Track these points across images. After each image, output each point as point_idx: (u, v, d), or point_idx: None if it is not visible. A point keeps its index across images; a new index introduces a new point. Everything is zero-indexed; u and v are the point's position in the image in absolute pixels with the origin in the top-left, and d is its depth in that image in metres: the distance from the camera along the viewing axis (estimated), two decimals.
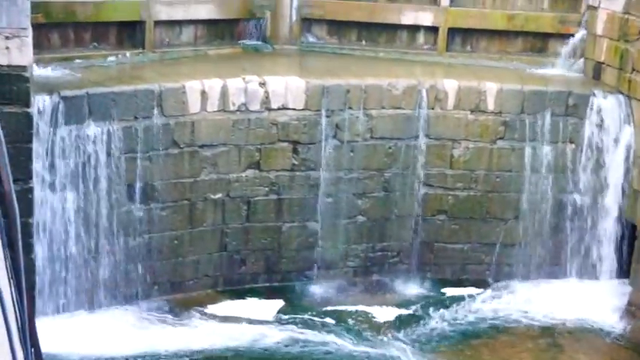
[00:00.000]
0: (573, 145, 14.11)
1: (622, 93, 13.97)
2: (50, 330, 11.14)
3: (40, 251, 11.93)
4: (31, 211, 11.38)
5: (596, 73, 14.74)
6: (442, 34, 15.62)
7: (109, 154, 12.24)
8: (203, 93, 12.96)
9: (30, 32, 11.22)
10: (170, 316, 12.78)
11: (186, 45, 14.96)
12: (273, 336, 12.46)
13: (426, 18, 15.64)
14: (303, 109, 13.51)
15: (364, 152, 13.85)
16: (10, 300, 5.53)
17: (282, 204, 13.71)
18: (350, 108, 13.66)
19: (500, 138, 14.10)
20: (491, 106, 14.02)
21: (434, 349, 12.44)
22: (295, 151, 13.59)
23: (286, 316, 13.10)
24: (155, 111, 12.59)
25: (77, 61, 13.49)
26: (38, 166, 11.65)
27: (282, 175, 13.61)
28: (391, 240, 14.30)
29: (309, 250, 14.01)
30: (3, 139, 7.52)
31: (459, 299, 13.88)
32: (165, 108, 12.67)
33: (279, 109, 13.42)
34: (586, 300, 13.77)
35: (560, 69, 15.28)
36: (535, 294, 14.04)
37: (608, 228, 14.24)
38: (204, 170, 13.13)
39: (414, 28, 15.83)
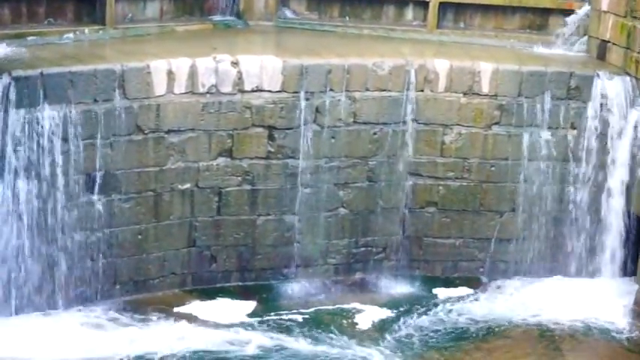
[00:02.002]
0: (575, 131, 14.15)
1: (629, 74, 14.01)
2: (0, 334, 11.13)
3: None
4: None
5: (601, 52, 14.80)
6: (433, 9, 15.73)
7: (65, 141, 12.18)
8: (170, 73, 12.94)
9: None
10: (133, 318, 12.73)
11: (151, 21, 15.03)
12: (247, 340, 12.42)
13: None
14: (279, 92, 13.51)
15: (347, 138, 13.87)
16: None
17: (256, 195, 13.73)
18: (331, 90, 13.67)
19: (496, 123, 14.14)
20: (485, 89, 14.05)
21: (423, 353, 12.44)
22: (271, 137, 13.59)
23: (261, 319, 13.08)
24: (117, 93, 12.55)
25: (30, 38, 13.48)
26: None
27: (257, 164, 13.63)
28: (376, 235, 14.34)
29: (286, 245, 14.04)
30: None
31: (450, 299, 13.93)
32: (127, 90, 12.63)
33: (253, 91, 13.42)
34: (589, 299, 13.82)
35: (561, 48, 15.36)
36: (533, 293, 14.09)
37: (613, 222, 14.29)
38: (170, 158, 13.13)
39: (401, 3, 15.98)
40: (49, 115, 12.02)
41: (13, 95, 11.69)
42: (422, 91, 13.98)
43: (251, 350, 12.23)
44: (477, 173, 14.25)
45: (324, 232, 14.14)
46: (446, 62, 14.07)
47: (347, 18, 16.03)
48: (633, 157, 13.94)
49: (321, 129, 13.75)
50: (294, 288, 14.02)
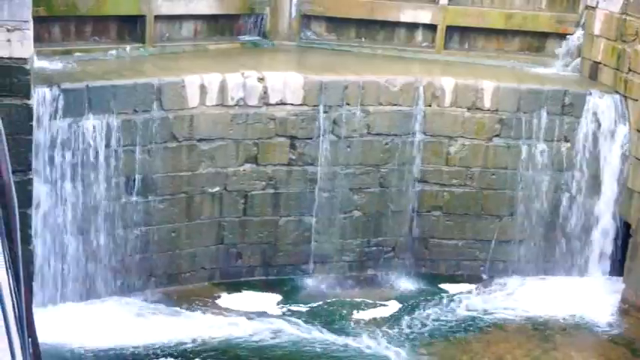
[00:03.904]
0: (569, 144, 14.13)
1: (618, 93, 14.02)
2: (48, 320, 11.19)
3: (39, 242, 11.95)
4: (29, 202, 11.43)
5: (593, 72, 14.78)
6: (440, 32, 15.68)
7: (107, 147, 12.26)
8: (202, 87, 12.96)
9: (31, 25, 11.26)
10: (166, 308, 12.79)
11: (186, 40, 15.02)
12: (269, 329, 12.47)
13: (424, 16, 15.70)
14: (300, 105, 13.52)
15: (361, 148, 13.86)
16: (7, 290, 5.56)
17: (279, 198, 13.73)
18: (347, 104, 13.68)
19: (496, 135, 14.12)
20: (487, 104, 14.04)
21: (428, 343, 12.46)
22: (293, 146, 13.60)
23: (282, 310, 13.13)
24: (154, 105, 12.60)
25: (78, 54, 13.53)
26: (37, 157, 11.67)
27: (280, 170, 13.63)
28: (386, 235, 14.32)
29: (305, 244, 14.02)
30: (2, 131, 7.54)
31: (453, 295, 13.92)
32: (164, 102, 12.67)
33: (277, 104, 13.43)
34: (579, 297, 13.81)
35: (556, 68, 15.35)
36: (529, 290, 14.09)
37: (602, 226, 14.28)
38: (202, 164, 13.14)
39: (412, 26, 15.89)
40: (93, 123, 12.10)
41: (61, 105, 11.80)
42: (430, 105, 13.97)
43: (273, 338, 12.26)
44: (479, 181, 14.24)
45: (340, 233, 14.14)
46: (451, 80, 14.07)
47: (362, 39, 15.99)
48: (621, 167, 13.95)
49: (338, 139, 13.75)
50: (312, 282, 14.04)
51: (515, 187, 14.25)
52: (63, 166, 12.04)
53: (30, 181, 11.44)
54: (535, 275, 14.52)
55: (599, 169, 14.14)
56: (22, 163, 11.19)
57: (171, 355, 11.67)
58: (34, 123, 11.40)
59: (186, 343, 11.93)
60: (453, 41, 15.89)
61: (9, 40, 10.93)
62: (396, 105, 13.88)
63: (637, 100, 13.59)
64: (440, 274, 14.50)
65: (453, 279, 14.43)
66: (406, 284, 14.26)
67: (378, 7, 15.74)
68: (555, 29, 15.55)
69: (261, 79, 13.36)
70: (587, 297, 13.81)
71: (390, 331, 12.71)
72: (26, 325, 6.52)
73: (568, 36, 15.37)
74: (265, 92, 13.35)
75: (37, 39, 12.17)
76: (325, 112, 13.61)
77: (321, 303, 13.44)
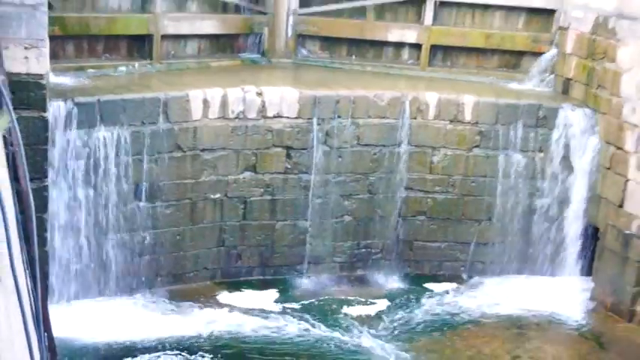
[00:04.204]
0: (542, 154, 14.18)
1: (588, 107, 14.07)
2: (62, 316, 11.21)
3: (54, 244, 11.99)
4: (45, 207, 11.46)
5: (565, 88, 14.84)
6: (425, 51, 15.71)
7: (117, 156, 12.29)
8: (205, 101, 13.00)
9: (47, 43, 11.29)
10: (171, 305, 12.81)
11: (191, 57, 15.03)
12: (267, 324, 12.50)
13: (410, 36, 15.74)
14: (296, 118, 13.55)
15: (351, 157, 13.89)
16: (25, 288, 5.62)
17: (275, 204, 13.76)
18: (339, 117, 13.71)
19: (476, 146, 14.16)
20: (468, 117, 14.08)
21: (412, 338, 12.49)
22: (288, 155, 13.63)
23: (278, 307, 13.15)
24: (161, 117, 12.63)
25: (90, 70, 13.55)
26: (53, 166, 11.72)
27: (276, 178, 13.65)
28: (375, 238, 14.35)
29: (299, 246, 14.04)
30: (21, 142, 7.60)
31: (436, 293, 13.95)
32: (170, 114, 12.71)
33: (274, 117, 13.46)
34: (552, 295, 13.85)
35: (532, 84, 15.37)
36: (505, 289, 14.12)
37: (573, 230, 14.32)
38: (204, 172, 13.17)
39: (399, 45, 15.92)
40: (104, 134, 12.13)
41: (74, 117, 11.83)
42: (415, 118, 13.99)
43: (271, 333, 12.29)
44: (460, 188, 14.27)
45: (332, 236, 14.15)
46: (435, 95, 14.10)
47: (353, 57, 16.01)
48: (590, 175, 14.00)
49: (330, 149, 13.77)
50: (306, 282, 14.04)
51: (493, 193, 14.28)
52: (76, 173, 12.06)
53: (46, 188, 11.47)
54: (511, 275, 14.55)
55: (571, 177, 14.18)
56: (39, 171, 11.22)
57: (176, 348, 11.70)
58: (50, 134, 11.44)
59: (189, 337, 11.96)
60: (436, 59, 15.91)
61: (26, 57, 10.97)
62: (383, 118, 13.92)
63: (605, 114, 13.66)
64: (424, 274, 14.50)
65: (436, 278, 14.43)
66: (393, 283, 14.28)
67: (367, 28, 15.79)
68: (531, 48, 15.60)
69: (259, 94, 13.39)
70: (558, 295, 13.85)
71: (377, 326, 12.75)
72: (42, 321, 6.57)
73: (542, 54, 15.42)
74: (263, 106, 13.37)
75: (53, 56, 12.19)
76: (318, 124, 13.64)
77: (314, 300, 13.47)
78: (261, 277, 13.96)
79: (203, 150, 13.09)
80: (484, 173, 14.22)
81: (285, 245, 13.99)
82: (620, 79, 13.30)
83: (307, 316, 12.86)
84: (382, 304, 13.49)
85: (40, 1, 10.96)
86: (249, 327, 12.40)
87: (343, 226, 14.17)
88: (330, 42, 15.97)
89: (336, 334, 12.40)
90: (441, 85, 14.82)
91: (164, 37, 14.44)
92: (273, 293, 13.57)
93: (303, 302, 13.36)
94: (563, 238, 14.41)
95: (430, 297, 13.79)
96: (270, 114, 13.43)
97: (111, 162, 12.26)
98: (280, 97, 13.50)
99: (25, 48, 10.96)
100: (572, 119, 14.05)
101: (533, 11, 15.63)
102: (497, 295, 13.90)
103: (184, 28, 14.73)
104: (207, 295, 13.26)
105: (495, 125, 14.10)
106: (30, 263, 6.70)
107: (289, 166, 13.67)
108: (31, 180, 8.91)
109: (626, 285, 13.09)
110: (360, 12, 15.84)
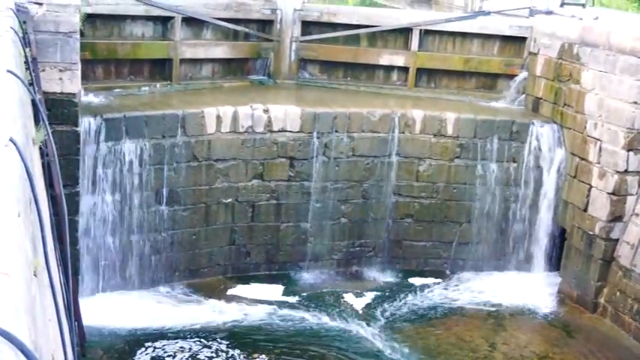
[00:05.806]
0: (516, 164, 14.14)
1: (556, 122, 14.05)
2: (90, 307, 11.18)
3: (85, 243, 11.94)
4: (77, 210, 11.42)
5: (535, 106, 14.80)
6: (411, 73, 15.65)
7: (141, 166, 12.27)
8: (218, 117, 12.98)
9: (79, 66, 11.27)
10: (188, 297, 12.78)
11: (205, 79, 14.98)
12: (273, 313, 12.47)
13: (398, 60, 15.70)
14: (298, 132, 13.53)
15: (347, 167, 13.85)
16: (58, 283, 5.56)
17: (280, 208, 13.72)
18: (336, 131, 13.68)
19: (457, 157, 14.12)
20: (450, 131, 14.05)
21: (400, 326, 12.46)
22: (292, 165, 13.59)
23: (283, 298, 13.11)
24: (179, 131, 12.62)
25: (117, 90, 13.52)
26: (84, 174, 11.68)
27: (281, 185, 13.61)
28: (368, 238, 14.30)
29: (301, 245, 13.99)
30: (55, 152, 7.55)
31: (422, 287, 13.90)
32: (187, 129, 12.69)
33: (279, 131, 13.44)
34: (525, 289, 13.82)
35: (506, 102, 15.31)
36: (483, 283, 14.09)
37: (543, 231, 14.29)
38: (218, 179, 13.14)
39: (389, 68, 15.87)
40: (129, 147, 12.13)
41: (103, 132, 11.83)
42: (403, 132, 13.97)
43: (276, 321, 12.26)
44: (443, 194, 14.23)
45: (330, 236, 14.11)
46: (421, 112, 14.08)
47: (348, 79, 15.96)
48: (558, 183, 13.98)
49: (329, 159, 13.75)
50: (308, 276, 13.98)
51: (472, 199, 14.25)
52: (105, 181, 12.04)
53: (77, 193, 11.42)
54: (489, 271, 14.50)
55: (541, 185, 14.14)
56: (71, 178, 11.18)
57: (192, 334, 11.66)
58: (81, 146, 11.40)
59: (204, 324, 11.93)
60: (422, 80, 15.86)
61: (61, 79, 10.96)
62: (375, 132, 13.89)
63: (571, 129, 13.63)
64: (411, 270, 14.46)
65: (422, 274, 14.39)
66: (383, 278, 14.23)
67: (361, 53, 15.75)
68: (504, 71, 15.56)
69: (266, 111, 13.37)
70: (530, 289, 13.82)
71: (369, 315, 12.70)
72: (73, 311, 6.52)
73: (515, 76, 15.37)
74: (269, 121, 13.35)
75: (84, 77, 12.18)
76: (318, 137, 13.61)
77: (314, 292, 13.42)
78: (267, 272, 13.90)
79: (216, 160, 13.06)
80: (464, 181, 14.19)
81: (289, 244, 13.94)
82: (584, 98, 13.29)
83: (308, 306, 12.82)
84: (374, 296, 13.45)
85: (73, 29, 10.94)
86: (257, 316, 12.37)
87: (340, 227, 14.12)
88: (328, 66, 15.93)
89: (334, 323, 12.36)
90: (426, 104, 14.79)
91: (182, 61, 14.40)
92: (278, 286, 13.52)
93: (304, 294, 13.31)
94: (534, 239, 14.37)
95: (417, 290, 13.75)
96: (275, 128, 13.41)
97: (135, 170, 12.23)
98: (284, 114, 13.47)
99: (60, 70, 10.95)
100: (542, 133, 14.02)
101: (506, 39, 15.59)
102: (476, 289, 13.87)
103: (200, 53, 14.69)
104: (219, 288, 13.22)
105: (474, 139, 14.07)
106: (62, 260, 6.65)
107: (292, 175, 13.63)
108: (64, 186, 8.85)
109: (590, 280, 13.06)
110: (355, 39, 15.80)
